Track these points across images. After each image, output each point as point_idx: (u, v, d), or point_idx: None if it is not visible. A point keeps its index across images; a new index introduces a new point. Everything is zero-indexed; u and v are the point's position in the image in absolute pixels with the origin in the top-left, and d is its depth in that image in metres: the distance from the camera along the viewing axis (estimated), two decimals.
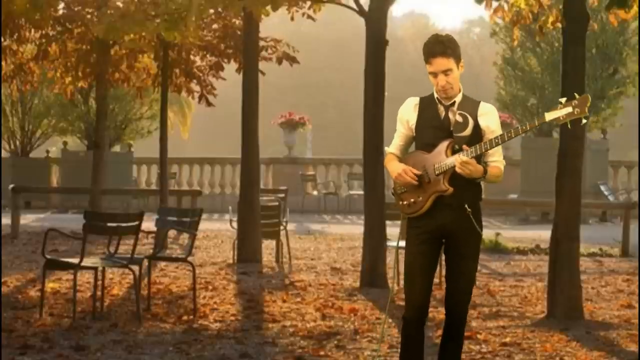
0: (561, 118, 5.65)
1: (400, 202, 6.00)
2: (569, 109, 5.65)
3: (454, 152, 5.82)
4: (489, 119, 5.89)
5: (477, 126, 5.86)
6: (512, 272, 14.13)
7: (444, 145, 5.85)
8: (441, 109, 5.92)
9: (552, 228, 10.10)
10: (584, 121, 5.68)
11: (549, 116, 5.69)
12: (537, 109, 26.76)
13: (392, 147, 6.11)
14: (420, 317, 5.96)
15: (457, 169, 5.75)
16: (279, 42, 17.31)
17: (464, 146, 5.78)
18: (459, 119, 5.86)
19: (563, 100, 5.71)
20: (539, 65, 26.70)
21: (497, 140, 5.75)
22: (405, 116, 6.02)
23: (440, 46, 5.80)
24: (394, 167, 5.97)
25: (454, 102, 5.90)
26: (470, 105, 5.90)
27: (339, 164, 30.67)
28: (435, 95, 5.94)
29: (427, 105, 5.97)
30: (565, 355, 8.14)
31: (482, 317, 9.95)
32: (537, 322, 9.68)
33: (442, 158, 5.83)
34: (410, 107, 6.01)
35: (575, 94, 5.74)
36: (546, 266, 10.68)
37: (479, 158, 5.82)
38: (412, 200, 5.92)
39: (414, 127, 5.99)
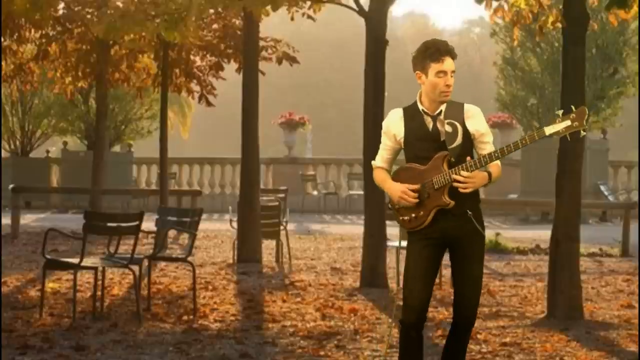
0: (561, 131, 5.67)
1: (400, 218, 5.94)
2: (568, 122, 5.67)
3: (450, 165, 5.76)
4: (476, 122, 5.84)
5: (466, 132, 5.80)
6: (512, 272, 14.13)
7: (439, 158, 5.78)
8: (428, 119, 5.83)
9: (552, 228, 10.10)
10: (583, 134, 5.71)
11: (549, 130, 5.69)
12: (537, 109, 26.77)
13: (380, 161, 6.02)
14: (419, 321, 5.90)
15: (461, 190, 5.69)
16: (279, 42, 17.30)
17: (468, 158, 5.72)
18: (449, 129, 5.78)
19: (560, 112, 5.71)
20: (539, 65, 26.70)
21: (496, 155, 5.70)
22: (392, 130, 5.92)
23: (449, 47, 5.81)
24: (392, 188, 5.88)
25: (440, 111, 5.82)
26: (455, 111, 5.82)
27: (339, 164, 30.68)
28: (421, 107, 5.85)
29: (412, 117, 5.88)
30: (565, 355, 8.14)
31: (482, 317, 9.94)
32: (537, 322, 9.68)
33: (440, 172, 5.77)
34: (396, 120, 5.92)
35: (572, 107, 5.76)
36: (546, 266, 10.69)
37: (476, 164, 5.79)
38: (412, 215, 5.86)
39: (402, 140, 5.90)
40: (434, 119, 5.82)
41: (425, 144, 5.82)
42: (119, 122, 28.78)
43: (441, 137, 5.79)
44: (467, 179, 5.69)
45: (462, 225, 5.83)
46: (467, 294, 5.91)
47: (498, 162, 5.84)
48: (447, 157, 5.77)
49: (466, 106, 5.87)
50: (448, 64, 5.77)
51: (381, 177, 6.01)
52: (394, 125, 5.92)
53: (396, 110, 5.98)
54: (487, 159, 5.72)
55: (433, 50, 5.78)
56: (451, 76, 5.78)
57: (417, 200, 5.81)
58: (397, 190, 5.85)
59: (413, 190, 5.82)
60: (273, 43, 17.28)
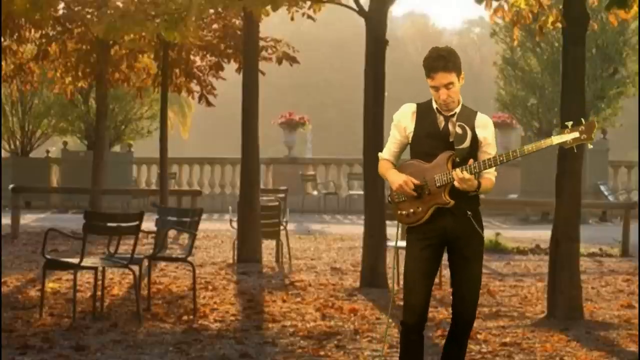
0: (568, 142, 5.74)
1: (399, 212, 5.95)
2: (576, 134, 5.73)
3: (454, 164, 5.79)
4: (486, 131, 5.90)
5: (474, 137, 5.85)
6: (512, 272, 14.14)
7: (444, 157, 5.81)
8: (441, 119, 5.87)
9: (552, 228, 10.10)
10: (590, 146, 5.78)
11: (556, 140, 5.77)
12: (537, 109, 26.77)
13: (386, 154, 6.05)
14: (419, 322, 5.90)
15: (456, 184, 5.72)
16: (279, 42, 17.30)
17: (470, 161, 5.74)
18: (459, 130, 5.83)
19: (570, 124, 5.76)
20: (539, 65, 26.69)
21: (501, 159, 5.74)
22: (402, 123, 5.96)
23: (441, 61, 5.76)
24: (394, 177, 5.90)
25: (455, 113, 5.86)
26: (468, 116, 5.88)
27: (339, 164, 30.68)
28: (435, 105, 5.90)
29: (425, 114, 5.91)
30: (565, 355, 8.14)
31: (482, 317, 9.94)
32: (537, 322, 9.68)
33: (443, 170, 5.80)
34: (408, 114, 5.95)
35: (582, 119, 5.83)
36: (546, 266, 10.69)
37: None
38: (411, 210, 5.88)
39: (411, 135, 5.93)
40: (447, 119, 5.87)
41: (433, 141, 5.86)
42: (119, 122, 28.76)
43: (450, 138, 5.83)
44: (464, 178, 5.70)
45: (461, 225, 5.84)
46: (466, 294, 5.91)
47: (492, 177, 5.89)
48: (453, 156, 5.81)
49: (479, 115, 5.93)
50: (439, 79, 5.78)
51: (385, 167, 6.04)
52: (405, 118, 5.96)
53: (410, 104, 6.02)
54: (491, 162, 5.76)
55: (425, 65, 5.83)
56: (447, 88, 5.79)
57: (414, 194, 5.83)
58: (399, 179, 5.87)
59: (415, 184, 5.83)
60: (273, 43, 17.29)
